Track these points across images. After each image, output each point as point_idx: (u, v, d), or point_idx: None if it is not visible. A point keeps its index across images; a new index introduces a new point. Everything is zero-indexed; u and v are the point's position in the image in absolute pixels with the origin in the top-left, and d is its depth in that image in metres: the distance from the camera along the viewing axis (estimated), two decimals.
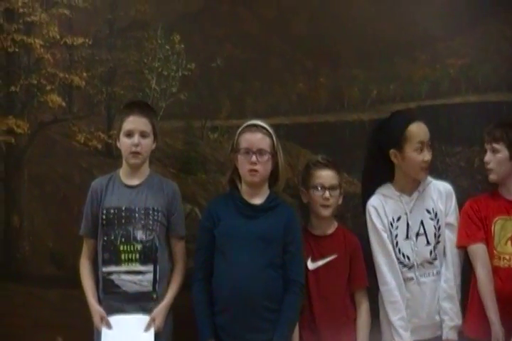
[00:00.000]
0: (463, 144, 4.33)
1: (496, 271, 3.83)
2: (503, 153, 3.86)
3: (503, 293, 3.78)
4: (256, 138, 3.83)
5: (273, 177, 3.89)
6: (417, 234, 3.92)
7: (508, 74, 4.33)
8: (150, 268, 3.83)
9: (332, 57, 4.43)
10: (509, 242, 3.84)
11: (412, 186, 3.96)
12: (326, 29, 4.42)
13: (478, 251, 3.85)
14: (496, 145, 3.85)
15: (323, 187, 3.93)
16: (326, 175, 3.96)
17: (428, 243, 3.91)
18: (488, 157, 3.88)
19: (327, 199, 3.93)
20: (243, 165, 3.81)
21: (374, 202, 3.96)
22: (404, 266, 3.90)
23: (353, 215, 4.18)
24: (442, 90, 4.37)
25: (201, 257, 3.81)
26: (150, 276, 3.82)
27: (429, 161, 3.90)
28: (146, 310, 3.81)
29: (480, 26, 4.37)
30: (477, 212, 3.90)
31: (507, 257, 3.83)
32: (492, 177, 3.90)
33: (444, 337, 3.85)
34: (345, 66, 4.43)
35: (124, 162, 3.95)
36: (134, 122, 3.88)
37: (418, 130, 3.88)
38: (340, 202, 4.01)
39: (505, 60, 4.33)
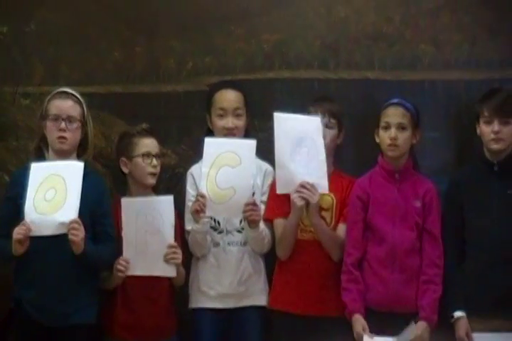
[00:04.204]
0: None
1: (300, 244, 3.89)
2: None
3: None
4: (66, 105, 3.78)
5: (82, 147, 3.84)
6: None
7: (319, 51, 4.37)
8: None
9: (149, 28, 4.38)
10: None
11: None
12: None
13: (281, 225, 3.91)
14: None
15: (151, 155, 3.95)
16: (151, 143, 3.98)
17: None
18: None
19: (155, 166, 3.95)
20: (52, 132, 3.76)
21: (193, 170, 4.03)
22: (215, 230, 3.99)
23: (165, 187, 4.17)
24: (256, 65, 4.38)
25: (2, 227, 3.68)
26: None
27: (240, 128, 3.99)
28: None
29: (295, 2, 4.41)
30: None
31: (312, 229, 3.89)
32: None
33: None
34: (162, 37, 4.39)
35: None
36: None
37: (219, 97, 4.01)
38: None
39: (317, 36, 4.36)
